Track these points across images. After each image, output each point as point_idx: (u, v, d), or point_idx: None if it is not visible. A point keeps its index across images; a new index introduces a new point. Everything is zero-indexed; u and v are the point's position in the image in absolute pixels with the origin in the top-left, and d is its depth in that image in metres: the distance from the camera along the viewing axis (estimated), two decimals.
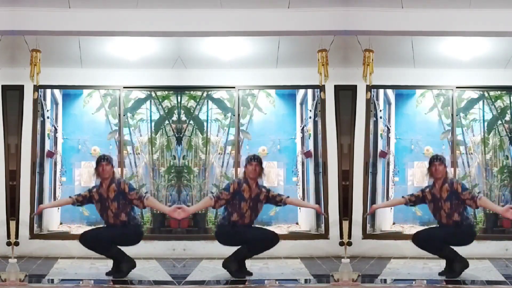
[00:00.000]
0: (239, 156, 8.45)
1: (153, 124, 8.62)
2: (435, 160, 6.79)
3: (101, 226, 7.01)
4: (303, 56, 7.87)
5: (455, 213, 6.71)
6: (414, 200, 6.90)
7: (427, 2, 7.14)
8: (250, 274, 6.77)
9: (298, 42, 7.76)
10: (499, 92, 8.58)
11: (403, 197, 7.00)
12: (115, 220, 6.70)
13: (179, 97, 8.50)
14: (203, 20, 7.16)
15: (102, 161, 6.73)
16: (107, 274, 6.75)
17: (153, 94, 8.60)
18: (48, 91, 8.62)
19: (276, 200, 6.83)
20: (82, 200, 6.83)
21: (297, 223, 9.10)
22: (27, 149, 7.97)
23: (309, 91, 8.70)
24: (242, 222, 6.72)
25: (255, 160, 6.81)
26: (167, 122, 8.55)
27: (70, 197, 6.93)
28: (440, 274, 6.82)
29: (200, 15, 7.14)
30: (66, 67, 8.19)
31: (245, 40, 7.82)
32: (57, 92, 8.90)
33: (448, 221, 6.71)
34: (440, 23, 7.15)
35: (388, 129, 9.06)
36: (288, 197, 6.91)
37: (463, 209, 6.76)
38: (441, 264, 6.91)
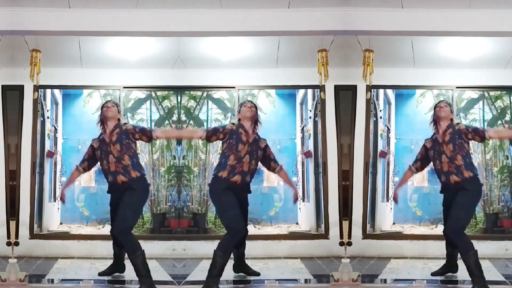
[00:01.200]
0: None
1: (153, 124, 8.63)
2: (440, 102, 6.40)
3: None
4: (303, 56, 7.87)
5: (458, 156, 6.14)
6: (420, 164, 6.56)
7: (427, 2, 7.14)
8: (258, 274, 6.76)
9: (298, 42, 7.77)
10: (499, 92, 8.58)
11: (409, 168, 6.65)
12: (117, 167, 6.13)
13: (179, 97, 8.51)
14: (203, 20, 7.16)
15: (107, 102, 6.38)
16: (100, 274, 6.74)
17: (153, 94, 8.60)
18: (48, 91, 8.63)
19: (270, 164, 6.50)
20: (87, 161, 6.48)
21: (297, 223, 9.11)
22: (27, 149, 7.97)
23: (309, 91, 8.70)
24: (240, 168, 6.12)
25: (250, 102, 6.43)
26: (167, 122, 8.55)
27: (76, 168, 6.55)
28: (433, 274, 6.80)
29: (200, 15, 7.14)
30: (66, 67, 8.19)
31: (245, 40, 7.82)
32: (57, 92, 8.91)
33: (450, 167, 6.13)
34: (440, 23, 7.15)
35: (388, 129, 9.07)
36: (281, 167, 6.54)
37: (466, 153, 6.19)
38: (442, 264, 6.91)
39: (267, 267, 7.29)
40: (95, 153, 6.38)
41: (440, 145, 6.25)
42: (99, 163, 6.39)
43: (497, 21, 7.13)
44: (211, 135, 6.26)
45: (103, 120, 6.32)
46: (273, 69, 8.26)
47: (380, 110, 8.76)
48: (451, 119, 6.31)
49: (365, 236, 8.13)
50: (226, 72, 8.32)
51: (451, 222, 6.10)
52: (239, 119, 6.32)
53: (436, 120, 6.34)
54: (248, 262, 6.84)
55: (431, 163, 6.46)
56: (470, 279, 6.00)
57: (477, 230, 8.48)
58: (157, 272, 6.98)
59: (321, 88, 7.85)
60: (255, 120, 6.33)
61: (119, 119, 6.33)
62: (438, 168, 6.29)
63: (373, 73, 7.32)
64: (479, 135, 6.22)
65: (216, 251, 5.95)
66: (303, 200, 9.06)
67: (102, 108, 6.38)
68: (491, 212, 8.51)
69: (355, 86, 7.74)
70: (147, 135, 6.27)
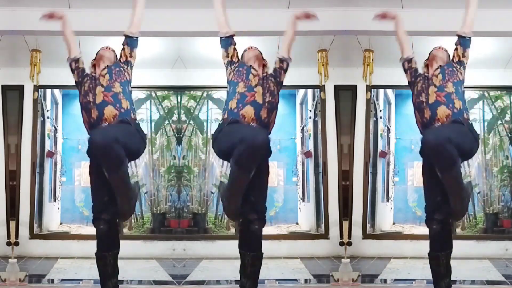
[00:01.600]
0: None
1: (153, 124, 8.63)
2: (437, 47, 5.50)
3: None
4: (303, 56, 7.86)
5: (449, 83, 5.16)
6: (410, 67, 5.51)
7: (427, 2, 7.14)
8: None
9: (298, 42, 7.74)
10: (499, 92, 8.58)
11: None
12: (106, 96, 5.12)
13: (179, 97, 8.50)
14: (203, 20, 7.14)
15: (104, 47, 5.55)
16: None
17: (153, 94, 8.60)
18: (48, 91, 8.63)
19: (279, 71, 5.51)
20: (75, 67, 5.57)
21: (297, 223, 9.11)
22: (27, 149, 7.97)
23: (309, 91, 8.70)
24: (252, 97, 4.99)
25: (252, 47, 5.49)
26: (167, 122, 8.55)
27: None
28: None
29: (200, 15, 7.13)
30: (66, 67, 8.15)
31: (245, 40, 7.80)
32: (57, 92, 8.91)
33: (438, 96, 5.04)
34: (440, 23, 7.15)
35: (388, 129, 9.07)
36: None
37: (460, 81, 5.25)
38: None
39: (267, 267, 7.29)
40: (80, 82, 5.45)
41: (429, 79, 5.29)
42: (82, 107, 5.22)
43: (497, 21, 7.12)
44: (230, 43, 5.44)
45: (95, 63, 5.52)
46: None
47: (380, 110, 8.76)
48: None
49: (365, 236, 8.13)
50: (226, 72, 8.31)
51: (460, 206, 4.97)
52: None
53: (429, 62, 5.47)
54: None
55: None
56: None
57: (477, 230, 8.48)
58: (157, 272, 7.00)
59: (321, 88, 7.85)
60: (262, 64, 5.43)
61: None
62: (423, 105, 5.08)
63: (373, 73, 7.31)
64: (459, 43, 5.54)
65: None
66: (303, 200, 9.06)
67: (97, 53, 5.57)
68: (491, 212, 8.50)
69: (355, 86, 7.74)
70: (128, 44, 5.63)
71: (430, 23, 7.14)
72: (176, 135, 8.47)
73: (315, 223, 8.56)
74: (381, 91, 8.72)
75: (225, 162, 8.64)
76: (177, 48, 7.91)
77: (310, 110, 8.67)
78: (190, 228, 8.40)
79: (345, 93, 7.76)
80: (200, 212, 8.51)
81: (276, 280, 6.73)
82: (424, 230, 8.84)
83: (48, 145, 8.72)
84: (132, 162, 8.59)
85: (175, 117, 8.50)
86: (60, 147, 9.11)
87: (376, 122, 8.58)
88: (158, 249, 8.03)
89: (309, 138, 8.79)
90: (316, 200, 8.54)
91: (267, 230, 8.86)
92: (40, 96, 8.26)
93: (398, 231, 8.70)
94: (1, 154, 7.76)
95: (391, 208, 9.06)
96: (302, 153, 9.03)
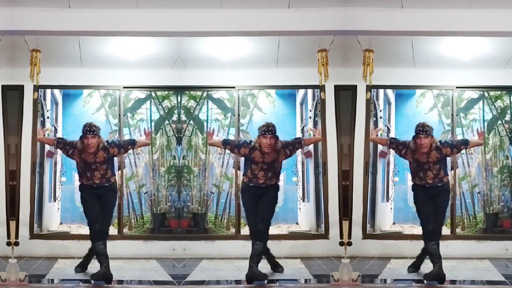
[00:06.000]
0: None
1: (153, 124, 8.62)
2: (421, 133, 6.65)
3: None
4: (303, 56, 7.87)
5: (442, 172, 6.74)
6: (395, 146, 6.92)
7: (427, 2, 7.14)
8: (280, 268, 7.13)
9: (298, 42, 7.76)
10: (499, 92, 8.57)
11: (387, 141, 7.07)
12: (101, 180, 6.77)
13: (179, 97, 8.50)
14: (203, 20, 7.15)
15: (88, 133, 6.68)
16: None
17: (153, 94, 8.60)
18: (48, 91, 8.62)
19: (296, 148, 6.98)
20: (61, 148, 6.96)
21: (297, 223, 9.10)
22: (27, 149, 7.97)
23: (309, 91, 8.69)
24: (256, 182, 6.73)
25: (269, 133, 6.70)
26: (167, 122, 8.54)
27: (54, 141, 7.06)
28: (409, 269, 7.04)
29: (200, 15, 7.14)
30: (66, 67, 8.19)
31: (245, 40, 7.81)
32: (57, 92, 8.90)
33: (435, 180, 6.72)
34: (440, 23, 7.15)
35: (388, 129, 9.06)
36: (303, 142, 7.09)
37: (445, 161, 6.81)
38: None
39: (267, 267, 7.29)
40: (75, 160, 6.84)
41: (425, 163, 6.68)
42: (78, 169, 6.86)
43: (497, 21, 7.12)
44: (230, 149, 6.98)
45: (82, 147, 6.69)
46: (273, 69, 8.25)
47: (380, 110, 8.76)
48: (432, 142, 6.64)
49: (365, 236, 8.13)
50: (226, 72, 8.32)
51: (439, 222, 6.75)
52: (258, 143, 6.69)
53: (415, 148, 6.67)
54: (248, 262, 6.84)
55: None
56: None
57: (477, 230, 8.47)
58: (157, 272, 7.00)
59: (321, 88, 7.85)
60: (275, 148, 6.69)
61: (100, 141, 6.71)
62: (422, 179, 6.73)
63: (373, 73, 7.31)
64: (461, 149, 6.94)
65: None
66: (303, 200, 9.05)
67: (82, 136, 6.67)
68: (491, 212, 8.50)
69: (355, 86, 7.74)
70: (133, 147, 7.09)
71: (430, 23, 7.14)
72: (176, 135, 8.47)
73: (315, 223, 8.56)
74: (381, 91, 8.71)
75: (225, 162, 8.66)
76: (177, 48, 7.91)
77: (310, 110, 8.66)
78: (190, 228, 8.40)
79: (345, 93, 7.75)
80: (200, 212, 8.51)
81: (276, 280, 6.73)
82: None
83: (48, 145, 8.71)
84: (132, 162, 8.64)
85: (175, 117, 8.50)
86: None
87: (376, 122, 8.58)
88: (158, 249, 8.03)
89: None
90: (316, 200, 8.54)
91: None
92: (40, 96, 8.26)
93: (398, 231, 8.69)
94: (1, 154, 7.76)
95: (391, 208, 9.05)
96: (302, 153, 9.03)
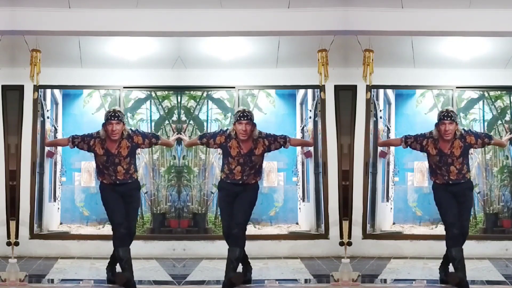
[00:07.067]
0: None
1: (153, 124, 8.63)
2: (445, 118, 6.16)
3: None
4: (303, 56, 7.87)
5: (465, 167, 6.30)
6: (413, 140, 6.39)
7: (427, 2, 7.14)
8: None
9: (298, 42, 7.76)
10: (499, 92, 8.58)
11: (402, 140, 6.50)
12: (125, 176, 6.27)
13: (179, 97, 8.51)
14: (203, 20, 7.15)
15: (112, 118, 6.15)
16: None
17: (153, 94, 8.60)
18: (48, 91, 8.63)
19: (280, 144, 6.37)
20: (78, 143, 6.33)
21: (297, 223, 9.11)
22: (27, 149, 7.97)
23: (309, 91, 8.70)
24: (233, 178, 6.25)
25: (245, 118, 6.19)
26: (167, 122, 8.55)
27: (69, 140, 6.40)
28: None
29: (200, 15, 7.14)
30: (66, 67, 8.19)
31: (245, 40, 7.82)
32: (57, 92, 8.90)
33: (458, 177, 6.25)
34: (440, 23, 7.15)
35: (388, 129, 9.06)
36: (289, 140, 6.45)
37: (467, 157, 6.38)
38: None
39: (267, 267, 7.30)
40: (95, 155, 6.31)
41: (448, 156, 6.25)
42: (98, 165, 6.32)
43: (497, 21, 7.12)
44: (206, 142, 6.43)
45: (105, 134, 6.22)
46: (273, 69, 8.25)
47: (380, 110, 8.76)
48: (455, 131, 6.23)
49: (365, 236, 8.13)
50: (226, 72, 8.32)
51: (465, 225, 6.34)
52: (234, 130, 6.24)
53: (439, 136, 6.26)
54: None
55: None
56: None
57: (477, 230, 8.48)
58: (157, 272, 7.00)
59: (321, 88, 7.85)
60: (252, 137, 6.24)
61: (124, 129, 6.25)
62: (444, 175, 6.29)
63: (373, 73, 7.31)
64: (484, 143, 6.45)
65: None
66: (303, 200, 9.06)
67: (106, 121, 6.19)
68: (491, 212, 8.51)
69: (355, 86, 7.74)
70: (152, 142, 6.47)
71: (430, 23, 7.14)
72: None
73: (315, 223, 8.56)
74: (381, 91, 8.71)
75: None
76: (177, 48, 7.91)
77: (310, 110, 8.67)
78: (190, 228, 8.41)
79: (345, 93, 7.76)
80: (200, 212, 8.52)
81: (276, 280, 6.73)
82: (424, 230, 8.86)
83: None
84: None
85: (175, 117, 8.50)
86: (60, 147, 9.09)
87: (376, 122, 8.58)
88: (158, 249, 8.03)
89: (309, 138, 8.78)
90: (316, 200, 8.54)
91: (267, 230, 8.90)
92: (40, 96, 8.26)
93: (398, 231, 8.70)
94: (1, 154, 7.76)
95: (391, 208, 9.06)
96: (302, 153, 9.03)
